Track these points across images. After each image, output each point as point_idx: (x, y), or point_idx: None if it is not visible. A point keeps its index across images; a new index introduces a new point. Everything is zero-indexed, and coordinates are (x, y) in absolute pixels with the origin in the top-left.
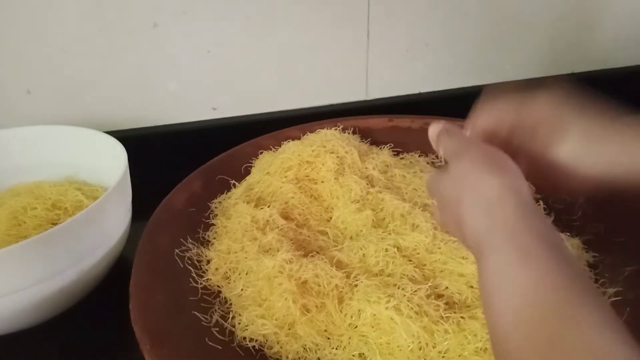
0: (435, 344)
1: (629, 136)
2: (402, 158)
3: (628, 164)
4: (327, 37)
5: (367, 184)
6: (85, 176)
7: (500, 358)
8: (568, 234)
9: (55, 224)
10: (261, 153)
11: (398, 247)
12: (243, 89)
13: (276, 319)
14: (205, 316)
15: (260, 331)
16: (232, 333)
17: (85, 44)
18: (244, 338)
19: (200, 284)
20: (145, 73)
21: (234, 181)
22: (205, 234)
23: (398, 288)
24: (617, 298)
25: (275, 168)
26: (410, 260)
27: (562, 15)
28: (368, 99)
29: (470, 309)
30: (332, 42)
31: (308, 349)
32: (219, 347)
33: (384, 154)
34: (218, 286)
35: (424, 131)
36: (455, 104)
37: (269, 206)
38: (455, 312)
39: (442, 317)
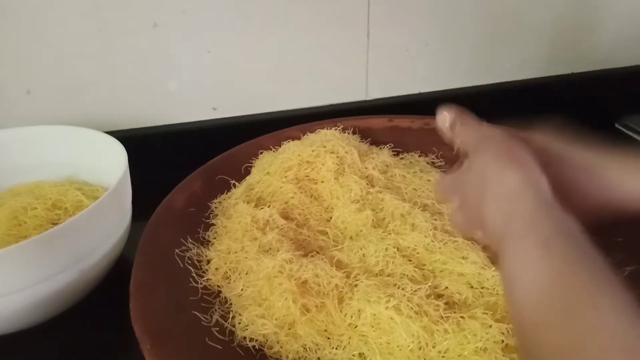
0: (435, 343)
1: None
2: (402, 158)
3: None
4: (327, 37)
5: (367, 184)
6: (86, 176)
7: (523, 343)
8: None
9: (55, 224)
10: (261, 153)
11: (398, 247)
12: (243, 89)
13: (276, 319)
14: (205, 316)
15: (261, 331)
16: (232, 333)
17: (85, 44)
18: (244, 338)
19: (200, 284)
20: (145, 73)
21: (234, 181)
22: (205, 234)
23: (398, 288)
24: None
25: (275, 168)
26: (410, 260)
27: (562, 15)
28: (368, 99)
29: (470, 309)
30: (332, 42)
31: (308, 349)
32: (219, 347)
33: (384, 154)
34: (218, 286)
35: (424, 131)
36: (455, 104)
37: (269, 206)
38: (455, 312)
39: (442, 317)
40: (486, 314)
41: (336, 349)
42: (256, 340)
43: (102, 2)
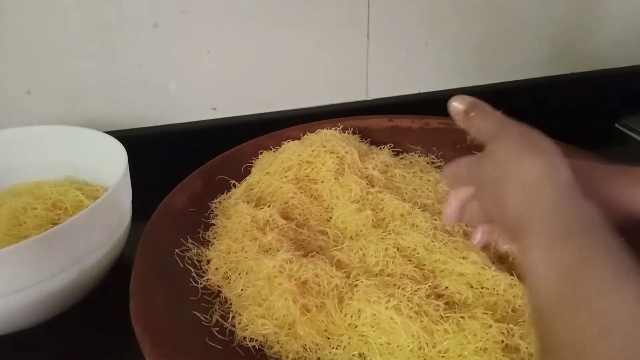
0: (435, 343)
1: None
2: (402, 158)
3: None
4: (327, 37)
5: (367, 184)
6: (86, 176)
7: (540, 332)
8: None
9: (55, 224)
10: (261, 153)
11: (398, 247)
12: (243, 89)
13: (276, 319)
14: (206, 316)
15: (260, 331)
16: (232, 333)
17: (85, 44)
18: (244, 338)
19: (201, 284)
20: (145, 73)
21: (234, 181)
22: (205, 234)
23: (398, 288)
24: None
25: (275, 168)
26: (410, 260)
27: (562, 15)
28: (368, 99)
29: (470, 309)
30: (332, 42)
31: (308, 349)
32: (219, 347)
33: (384, 154)
34: (218, 286)
35: (424, 131)
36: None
37: (269, 206)
38: (455, 312)
39: (442, 317)
40: (486, 314)
41: (336, 349)
42: (256, 340)
43: (102, 2)
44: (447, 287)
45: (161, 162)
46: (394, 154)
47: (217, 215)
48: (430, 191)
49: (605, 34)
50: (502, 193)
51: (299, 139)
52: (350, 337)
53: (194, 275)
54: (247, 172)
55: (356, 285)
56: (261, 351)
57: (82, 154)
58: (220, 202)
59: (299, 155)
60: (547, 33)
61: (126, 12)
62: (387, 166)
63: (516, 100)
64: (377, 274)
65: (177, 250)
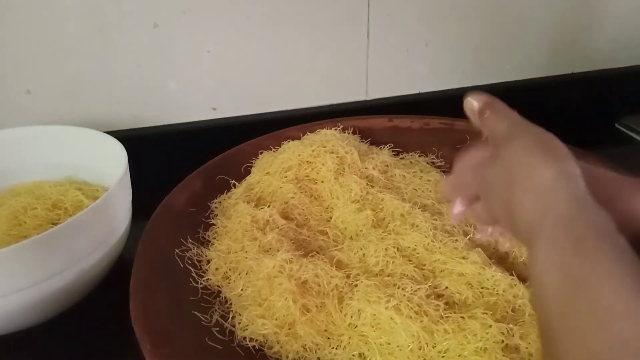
0: (435, 343)
1: None
2: (402, 158)
3: None
4: (327, 37)
5: (367, 184)
6: (86, 176)
7: (547, 343)
8: None
9: (55, 224)
10: (261, 153)
11: (398, 247)
12: (243, 89)
13: (276, 319)
14: (206, 316)
15: (260, 331)
16: (232, 333)
17: (85, 44)
18: (244, 338)
19: (201, 284)
20: (145, 73)
21: (234, 181)
22: (205, 234)
23: (398, 288)
24: None
25: (275, 168)
26: (410, 260)
27: (562, 15)
28: (368, 99)
29: (470, 309)
30: (332, 42)
31: (308, 349)
32: (219, 346)
33: (384, 154)
34: (218, 286)
35: (424, 131)
36: (455, 104)
37: (269, 206)
38: (455, 312)
39: (442, 317)
40: (486, 314)
41: (336, 349)
42: (256, 340)
43: (102, 2)
44: (447, 287)
45: (161, 162)
46: (394, 154)
47: (217, 215)
48: (430, 191)
49: (605, 34)
50: (512, 198)
51: (299, 139)
52: (350, 337)
53: (194, 275)
54: (247, 172)
55: (356, 285)
56: (261, 351)
57: (82, 154)
58: (220, 202)
59: (299, 155)
60: (547, 33)
61: (126, 12)
62: (387, 166)
63: (516, 100)
64: (377, 274)
65: (177, 250)
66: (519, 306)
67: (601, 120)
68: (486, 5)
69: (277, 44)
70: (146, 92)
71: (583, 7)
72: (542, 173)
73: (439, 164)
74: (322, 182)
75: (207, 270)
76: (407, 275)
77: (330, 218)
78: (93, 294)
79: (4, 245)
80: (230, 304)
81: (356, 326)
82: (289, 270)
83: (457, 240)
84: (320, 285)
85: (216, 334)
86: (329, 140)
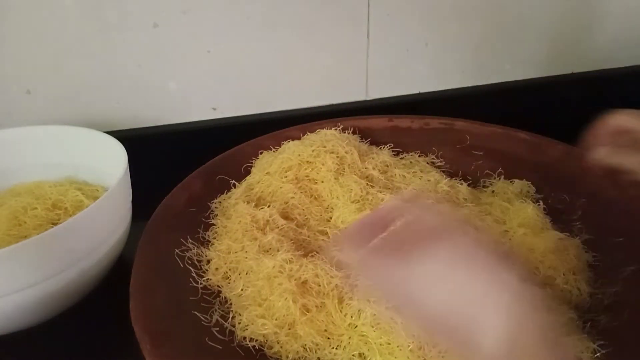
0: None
1: None
2: (402, 158)
3: None
4: (327, 37)
5: (367, 184)
6: (86, 176)
7: None
8: (567, 234)
9: (55, 224)
10: (261, 153)
11: None
12: (243, 89)
13: (276, 319)
14: (206, 316)
15: (261, 331)
16: (232, 333)
17: (85, 44)
18: (244, 338)
19: (201, 284)
20: (145, 73)
21: (234, 181)
22: (205, 234)
23: None
24: (616, 298)
25: (275, 168)
26: None
27: (562, 15)
28: (368, 99)
29: None
30: (332, 42)
31: (308, 349)
32: (219, 347)
33: (384, 154)
34: (218, 286)
35: (424, 131)
36: (455, 104)
37: (269, 206)
38: None
39: None
40: None
41: (336, 349)
42: (256, 340)
43: (102, 2)
44: None
45: (161, 162)
46: (394, 154)
47: (217, 215)
48: (430, 191)
49: (605, 34)
50: None
51: (299, 139)
52: (350, 337)
53: (194, 275)
54: (247, 172)
55: (356, 285)
56: (261, 351)
57: (82, 154)
58: (220, 202)
59: (299, 155)
60: (547, 33)
61: (126, 12)
62: (387, 166)
63: (516, 100)
64: None
65: (177, 250)
66: None
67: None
68: (486, 5)
69: (277, 44)
70: (146, 92)
71: (583, 7)
72: None
73: (439, 164)
74: (322, 182)
75: (207, 270)
76: None
77: (330, 218)
78: (93, 294)
79: (4, 245)
80: (230, 304)
81: (356, 326)
82: (289, 270)
83: None
84: (320, 285)
85: (216, 334)
86: (329, 140)
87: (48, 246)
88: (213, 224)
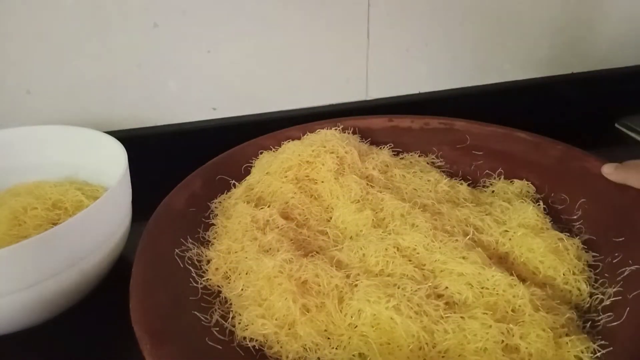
0: (435, 343)
1: None
2: (402, 158)
3: None
4: (327, 38)
5: (367, 184)
6: (86, 176)
7: None
8: (567, 234)
9: (55, 224)
10: (261, 153)
11: (398, 247)
12: (243, 89)
13: (276, 319)
14: (206, 316)
15: (261, 331)
16: (232, 333)
17: (85, 44)
18: (244, 338)
19: (200, 284)
20: (145, 73)
21: (234, 181)
22: (205, 234)
23: (398, 288)
24: (616, 298)
25: (275, 168)
26: (410, 260)
27: (561, 15)
28: (368, 99)
29: (470, 309)
30: (332, 43)
31: (308, 349)
32: (219, 347)
33: (384, 154)
34: (218, 286)
35: (424, 131)
36: (455, 104)
37: (269, 206)
38: (455, 312)
39: (442, 317)
40: (486, 314)
41: (336, 349)
42: (256, 340)
43: (102, 2)
44: (447, 287)
45: (161, 162)
46: (394, 154)
47: (217, 215)
48: (430, 191)
49: (605, 34)
50: None
51: (299, 139)
52: (350, 337)
53: (194, 275)
54: (247, 172)
55: (356, 285)
56: (261, 351)
57: (83, 154)
58: (220, 202)
59: (299, 155)
60: (546, 33)
61: (126, 12)
62: (387, 166)
63: (516, 100)
64: (377, 274)
65: (177, 250)
66: (519, 306)
67: (601, 120)
68: (486, 5)
69: (277, 44)
70: (146, 92)
71: (583, 7)
72: None
73: (439, 164)
74: (322, 182)
75: (207, 270)
76: (407, 275)
77: (330, 218)
78: (93, 294)
79: (4, 245)
80: (230, 304)
81: (356, 326)
82: (288, 270)
83: (457, 240)
84: (320, 285)
85: (216, 334)
86: (329, 140)
87: (48, 246)
88: (213, 224)
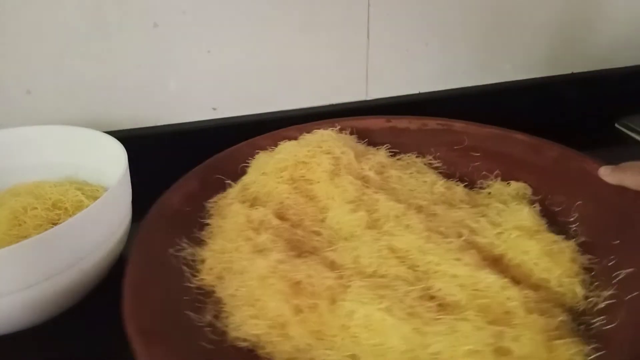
0: (426, 345)
1: None
2: (399, 159)
3: None
4: (327, 37)
5: (363, 185)
6: (86, 176)
7: None
8: (563, 236)
9: (55, 224)
10: (258, 153)
11: (391, 249)
12: (243, 89)
13: (269, 319)
14: (199, 316)
15: (253, 331)
16: (225, 333)
17: (85, 44)
18: (237, 338)
19: (194, 283)
20: (145, 73)
21: (229, 181)
22: (200, 234)
23: (390, 289)
24: (611, 301)
25: (270, 168)
26: (403, 262)
27: (562, 15)
28: (368, 99)
29: (463, 311)
30: (332, 42)
31: (300, 350)
32: (211, 346)
33: (381, 155)
34: (212, 286)
35: (422, 132)
36: (455, 104)
37: (264, 206)
38: (447, 314)
39: (434, 319)
40: (478, 316)
41: (328, 349)
42: (248, 341)
43: (102, 2)
44: (440, 289)
45: (161, 162)
46: (391, 155)
47: (212, 215)
48: (426, 192)
49: (605, 34)
50: None
51: (296, 139)
52: (342, 338)
53: (188, 274)
54: (244, 172)
55: (349, 287)
56: (253, 351)
57: (82, 154)
58: (216, 202)
59: (295, 155)
60: (547, 33)
61: (126, 12)
62: (384, 167)
63: (516, 100)
64: (370, 275)
65: (171, 250)
66: (512, 308)
67: (601, 120)
68: (486, 5)
69: (277, 43)
70: (146, 92)
71: (583, 7)
72: None
73: (437, 165)
74: (318, 182)
75: (201, 269)
76: (400, 277)
77: (325, 219)
78: (93, 294)
79: (4, 245)
80: (224, 304)
81: (348, 327)
82: (281, 271)
83: (451, 241)
84: (313, 286)
85: (209, 334)
86: (325, 141)
87: (48, 246)
88: (208, 224)
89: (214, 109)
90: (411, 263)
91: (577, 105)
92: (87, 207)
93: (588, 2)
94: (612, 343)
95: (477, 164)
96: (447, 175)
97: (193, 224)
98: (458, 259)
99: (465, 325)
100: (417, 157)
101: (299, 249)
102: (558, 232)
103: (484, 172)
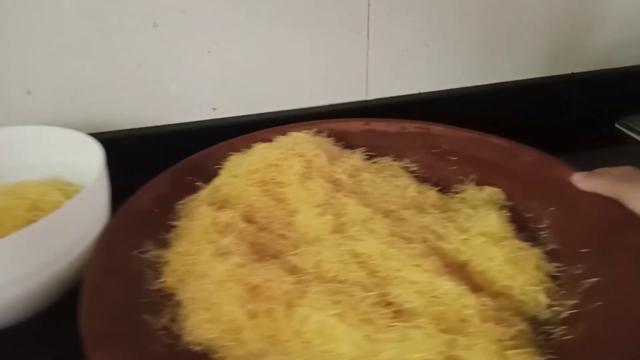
0: (377, 352)
1: None
2: (374, 162)
3: None
4: (327, 37)
5: (333, 189)
6: (70, 177)
7: None
8: (531, 243)
9: None
10: (231, 155)
11: (354, 253)
12: (243, 89)
13: (223, 324)
14: (155, 319)
15: (207, 335)
16: (179, 337)
17: (85, 44)
18: (191, 342)
19: (155, 286)
20: (145, 73)
21: (201, 182)
22: (166, 236)
23: (347, 295)
24: (574, 311)
25: (242, 170)
26: (364, 267)
27: (562, 15)
28: (368, 99)
29: (417, 318)
30: (332, 42)
31: (254, 354)
32: (163, 350)
33: (355, 158)
34: (173, 289)
35: (400, 135)
36: (455, 104)
37: (233, 209)
38: (402, 321)
39: (387, 326)
40: (432, 323)
41: (282, 355)
42: (202, 345)
43: (102, 2)
44: (398, 295)
45: (161, 162)
46: (368, 158)
47: (181, 217)
48: (397, 197)
49: (605, 34)
50: None
51: (271, 141)
52: (296, 344)
53: (150, 277)
54: (217, 173)
55: (307, 291)
56: (207, 356)
57: (65, 154)
58: (186, 204)
59: (266, 157)
60: (547, 33)
61: (126, 12)
62: (357, 170)
63: (516, 100)
64: (329, 280)
65: (135, 252)
66: (468, 316)
67: (601, 120)
68: (486, 5)
69: (277, 44)
70: (146, 92)
71: (583, 7)
72: None
73: (413, 168)
74: (289, 185)
75: (163, 272)
76: (359, 282)
77: (293, 222)
78: (68, 296)
79: None
80: (183, 307)
81: (302, 333)
82: (239, 275)
83: (414, 247)
84: (270, 290)
85: (163, 337)
86: (299, 143)
87: (20, 247)
88: (175, 226)
89: (214, 109)
90: (372, 268)
91: (577, 105)
92: None
93: (588, 2)
94: (569, 355)
95: (453, 168)
96: (424, 179)
97: (161, 225)
98: (418, 265)
99: (418, 333)
100: (394, 160)
101: (263, 253)
102: (527, 239)
103: (460, 177)
